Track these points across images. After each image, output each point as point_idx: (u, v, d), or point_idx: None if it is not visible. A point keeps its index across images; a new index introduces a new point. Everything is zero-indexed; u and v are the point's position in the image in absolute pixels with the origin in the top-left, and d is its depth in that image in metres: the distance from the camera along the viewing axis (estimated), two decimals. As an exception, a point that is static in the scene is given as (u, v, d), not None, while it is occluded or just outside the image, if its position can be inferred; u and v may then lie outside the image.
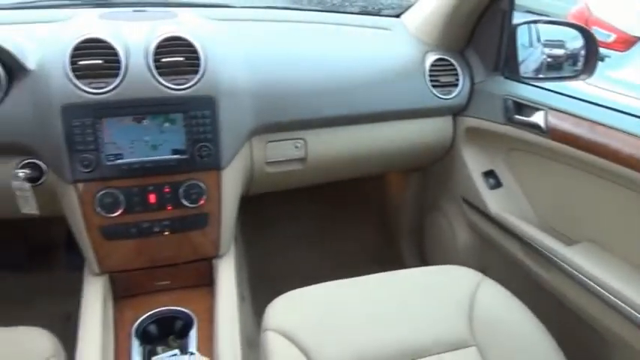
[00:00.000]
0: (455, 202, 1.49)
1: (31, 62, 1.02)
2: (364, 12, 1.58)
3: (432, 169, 1.59)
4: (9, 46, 0.99)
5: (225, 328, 1.04)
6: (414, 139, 1.38)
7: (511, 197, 1.34)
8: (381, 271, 1.12)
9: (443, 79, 1.34)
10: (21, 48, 1.02)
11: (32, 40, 1.06)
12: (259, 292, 1.19)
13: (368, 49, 1.35)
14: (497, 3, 1.26)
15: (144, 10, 1.35)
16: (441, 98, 1.33)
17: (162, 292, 1.17)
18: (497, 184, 1.36)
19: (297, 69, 1.22)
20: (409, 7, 1.53)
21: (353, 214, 1.93)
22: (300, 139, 1.24)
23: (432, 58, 1.34)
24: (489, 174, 1.38)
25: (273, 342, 0.94)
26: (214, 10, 1.40)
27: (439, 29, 1.34)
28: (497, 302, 1.04)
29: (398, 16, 1.53)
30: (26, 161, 1.04)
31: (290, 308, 1.01)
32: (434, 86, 1.33)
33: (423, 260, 1.73)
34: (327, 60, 1.27)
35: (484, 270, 1.13)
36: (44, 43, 1.06)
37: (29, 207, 1.04)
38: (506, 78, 1.30)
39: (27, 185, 1.01)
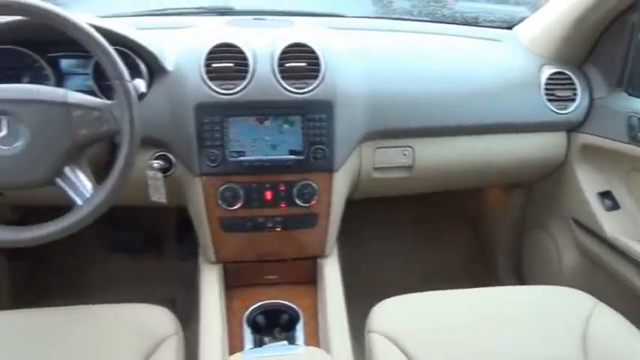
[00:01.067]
0: (562, 222, 1.42)
1: (169, 64, 1.12)
2: (475, 23, 1.57)
3: (537, 185, 1.53)
4: (153, 49, 1.09)
5: (335, 323, 1.07)
6: (524, 153, 1.34)
7: (630, 220, 1.26)
8: (473, 286, 1.10)
9: (559, 94, 1.29)
10: (161, 51, 1.12)
11: (169, 44, 1.16)
12: (352, 294, 1.21)
13: (480, 61, 1.33)
14: (626, 15, 1.20)
15: (263, 19, 1.43)
16: (556, 113, 1.28)
17: (269, 286, 1.23)
18: (615, 206, 1.29)
19: (410, 78, 1.24)
20: (522, 19, 1.50)
21: (446, 225, 1.90)
22: (409, 147, 1.25)
23: (548, 71, 1.30)
24: (606, 195, 1.31)
25: (379, 344, 0.95)
26: (328, 19, 1.45)
27: (558, 42, 1.30)
28: (614, 332, 0.98)
29: (510, 27, 1.51)
30: (159, 153, 1.13)
31: (396, 313, 1.02)
32: (549, 100, 1.28)
33: (520, 279, 1.66)
34: (440, 70, 1.27)
35: (591, 294, 1.07)
36: (181, 47, 1.16)
37: (158, 195, 1.13)
38: (630, 95, 1.24)
39: (159, 175, 1.11)
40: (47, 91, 0.86)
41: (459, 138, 1.28)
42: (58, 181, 0.88)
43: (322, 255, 1.24)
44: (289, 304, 1.16)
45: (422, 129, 1.23)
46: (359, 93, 1.16)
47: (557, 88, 1.29)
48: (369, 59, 1.23)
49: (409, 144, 1.25)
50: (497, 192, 1.74)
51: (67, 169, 0.88)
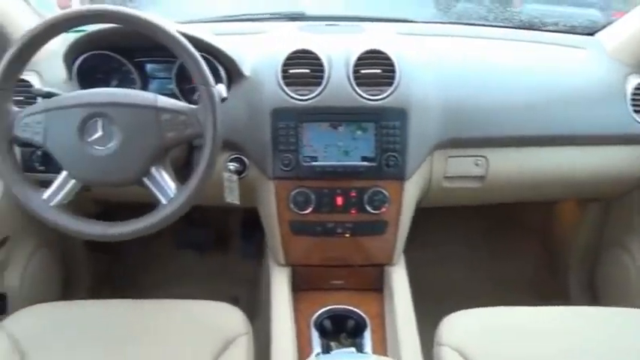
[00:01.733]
0: None
1: (246, 69, 1.15)
2: (555, 29, 1.51)
3: (617, 201, 1.45)
4: (232, 55, 1.13)
5: (406, 333, 1.07)
6: (605, 167, 1.28)
7: None
8: (542, 300, 1.06)
9: None
10: (239, 56, 1.15)
11: (246, 49, 1.20)
12: (418, 303, 1.20)
13: (561, 68, 1.28)
14: None
15: (335, 24, 1.44)
16: None
17: (335, 291, 1.23)
18: None
19: (486, 86, 1.20)
20: (606, 24, 1.43)
21: (515, 237, 1.84)
22: (482, 156, 1.21)
23: (635, 80, 1.23)
24: None
25: (448, 358, 0.94)
26: (399, 25, 1.44)
27: None
28: None
29: (592, 34, 1.44)
30: (233, 156, 1.16)
31: (466, 327, 1.00)
32: (636, 112, 1.21)
33: (593, 297, 1.58)
34: (517, 78, 1.23)
35: None
36: (257, 52, 1.19)
37: (232, 197, 1.16)
38: None
39: (235, 177, 1.14)
40: (139, 96, 0.91)
41: (536, 149, 1.23)
42: (145, 180, 0.92)
43: (390, 263, 1.23)
44: (356, 310, 1.16)
45: (497, 139, 1.20)
46: (433, 101, 1.14)
47: None
48: (443, 66, 1.21)
49: (482, 154, 1.21)
50: (572, 205, 1.66)
51: (153, 169, 0.92)
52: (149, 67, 1.20)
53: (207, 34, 1.10)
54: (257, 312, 1.49)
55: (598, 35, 1.41)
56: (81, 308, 1.06)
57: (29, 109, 0.90)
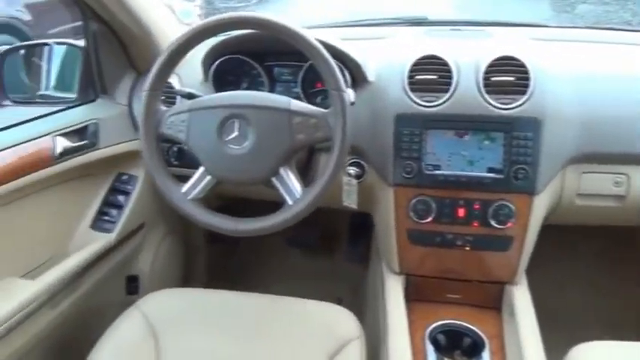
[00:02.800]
0: None
1: (371, 74, 1.15)
2: None
3: None
4: (358, 59, 1.14)
5: (535, 356, 1.00)
6: None
7: None
8: None
9: None
10: (364, 61, 1.16)
11: (370, 54, 1.20)
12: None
13: None
14: None
15: (460, 29, 1.40)
16: None
17: (451, 305, 1.19)
18: None
19: (628, 97, 1.09)
20: None
21: None
22: (623, 174, 1.10)
23: None
24: None
25: None
26: (530, 30, 1.36)
27: None
28: None
29: None
30: (353, 160, 1.17)
31: None
32: None
33: None
34: None
35: None
36: (382, 57, 1.18)
37: (350, 200, 1.17)
38: None
39: (354, 181, 1.15)
40: (275, 99, 0.94)
41: None
42: (274, 180, 0.95)
43: (511, 281, 1.16)
44: (474, 328, 1.11)
45: None
46: (569, 111, 1.06)
47: None
48: (581, 75, 1.12)
49: (623, 171, 1.10)
50: None
51: (281, 170, 0.95)
52: (276, 70, 1.25)
53: (335, 39, 1.12)
54: (362, 316, 1.49)
55: None
56: (206, 296, 1.13)
57: (175, 108, 0.98)
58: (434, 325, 1.12)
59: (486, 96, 1.05)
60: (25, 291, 1.01)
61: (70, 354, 1.10)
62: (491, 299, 1.19)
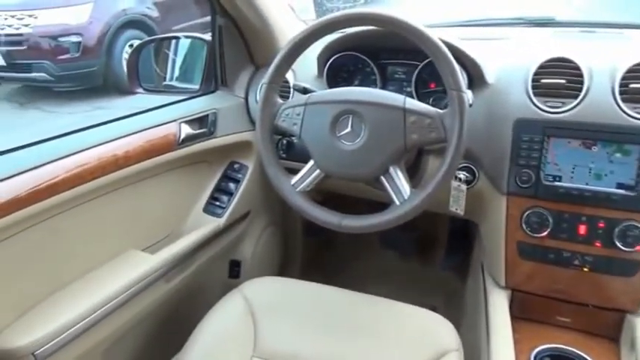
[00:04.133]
0: None
1: (490, 76, 1.10)
2: None
3: None
4: (478, 60, 1.09)
5: None
6: None
7: None
8: None
9: None
10: (483, 62, 1.10)
11: (489, 55, 1.14)
12: None
13: None
14: None
15: (592, 31, 1.29)
16: None
17: (560, 328, 1.10)
18: None
19: None
20: None
21: None
22: None
23: None
24: None
25: None
26: None
27: None
28: None
29: None
30: (464, 165, 1.12)
31: None
32: None
33: None
34: None
35: None
36: (503, 59, 1.12)
37: (457, 206, 1.12)
38: None
39: (464, 187, 1.10)
40: (390, 97, 0.93)
41: None
42: (382, 178, 0.94)
43: (635, 311, 1.05)
44: (585, 356, 1.02)
45: None
46: None
47: None
48: None
49: None
50: None
51: (391, 169, 0.94)
52: (390, 69, 1.23)
53: (454, 38, 1.08)
54: (459, 327, 1.43)
55: None
56: (304, 287, 1.15)
57: (291, 101, 1.00)
58: (541, 347, 1.04)
59: (622, 104, 0.96)
60: (145, 264, 1.11)
61: (175, 327, 1.18)
62: (609, 328, 1.08)
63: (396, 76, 1.24)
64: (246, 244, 1.49)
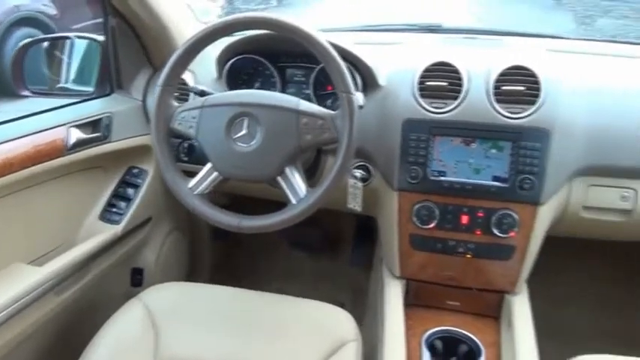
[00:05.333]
0: None
1: (382, 79, 1.16)
2: None
3: None
4: (370, 64, 1.15)
5: None
6: None
7: None
8: None
9: None
10: (376, 65, 1.16)
11: (382, 59, 1.20)
12: (537, 340, 1.11)
13: None
14: None
15: (474, 38, 1.40)
16: None
17: (449, 312, 1.19)
18: None
19: None
20: None
21: None
22: (630, 189, 1.09)
23: None
24: None
25: None
26: (546, 41, 1.36)
27: None
28: None
29: None
30: (359, 163, 1.18)
31: None
32: None
33: None
34: None
35: None
36: (394, 63, 1.19)
37: (355, 203, 1.18)
38: None
39: (359, 184, 1.15)
40: (284, 99, 0.96)
41: None
42: (279, 179, 0.97)
43: (512, 291, 1.16)
44: (471, 335, 1.11)
45: None
46: (579, 123, 1.06)
47: None
48: (593, 87, 1.11)
49: (631, 185, 1.09)
50: None
51: (287, 170, 0.96)
52: (289, 71, 1.26)
53: (348, 43, 1.13)
54: (362, 320, 1.49)
55: None
56: (208, 291, 1.14)
57: (187, 104, 1.00)
58: (431, 331, 1.12)
59: (496, 105, 1.06)
60: (30, 277, 1.04)
61: (71, 341, 1.12)
62: (491, 308, 1.19)
63: (296, 78, 1.27)
64: (148, 250, 1.45)
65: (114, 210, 1.31)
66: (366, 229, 1.77)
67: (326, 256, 1.92)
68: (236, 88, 1.21)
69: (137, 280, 1.43)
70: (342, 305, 1.11)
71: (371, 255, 1.69)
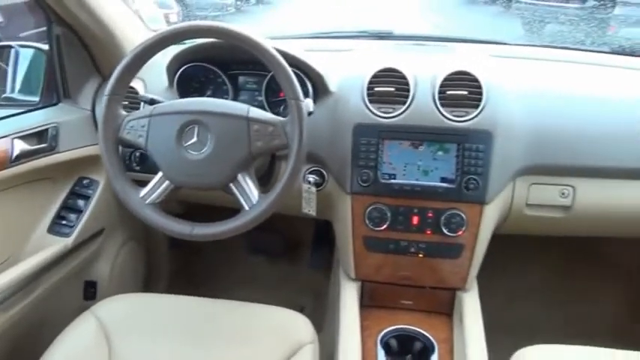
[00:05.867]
0: None
1: (333, 85, 1.19)
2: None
3: None
4: (320, 70, 1.17)
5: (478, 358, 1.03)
6: None
7: None
8: (622, 345, 0.99)
9: None
10: (326, 72, 1.19)
11: (333, 66, 1.23)
12: (487, 333, 1.15)
13: None
14: None
15: (423, 44, 1.45)
16: None
17: (404, 311, 1.22)
18: None
19: (576, 113, 1.15)
20: None
21: (596, 275, 1.72)
22: (569, 186, 1.16)
23: None
24: None
25: None
26: (490, 47, 1.42)
27: None
28: None
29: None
30: (313, 168, 1.20)
31: None
32: None
33: None
34: (611, 106, 1.17)
35: None
36: (344, 69, 1.22)
37: (309, 208, 1.19)
38: None
39: (313, 189, 1.17)
40: (233, 106, 0.96)
41: (628, 182, 1.15)
42: (231, 186, 0.97)
43: (462, 287, 1.20)
44: (424, 332, 1.14)
45: (586, 168, 1.14)
46: (520, 125, 1.11)
47: None
48: (533, 91, 1.17)
49: (570, 183, 1.16)
50: None
51: (239, 176, 0.96)
52: (241, 79, 1.27)
53: (298, 50, 1.15)
54: (322, 323, 1.50)
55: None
56: (163, 301, 1.13)
57: (136, 113, 0.99)
58: (386, 330, 1.15)
59: (441, 108, 1.09)
60: None
61: (22, 358, 1.09)
62: (443, 305, 1.23)
63: (248, 86, 1.27)
64: (101, 262, 1.41)
65: (63, 222, 1.27)
66: (324, 232, 1.80)
67: (285, 260, 1.93)
68: (188, 97, 1.20)
69: (90, 294, 1.39)
70: (302, 309, 1.13)
71: (330, 258, 1.71)
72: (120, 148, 1.03)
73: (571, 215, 1.18)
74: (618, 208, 1.18)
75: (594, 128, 1.13)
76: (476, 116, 1.08)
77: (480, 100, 1.09)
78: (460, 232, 1.11)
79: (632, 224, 1.23)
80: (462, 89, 1.10)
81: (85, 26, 1.20)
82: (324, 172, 1.19)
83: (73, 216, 1.28)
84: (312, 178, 1.17)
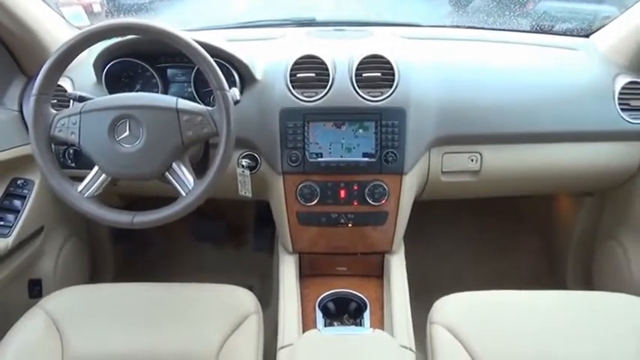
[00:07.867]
0: (634, 232, 1.41)
1: (258, 73, 1.26)
2: (551, 32, 1.58)
3: (609, 195, 1.52)
4: (245, 60, 1.23)
5: (399, 312, 1.17)
6: (595, 162, 1.35)
7: None
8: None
9: (633, 103, 1.29)
10: (252, 61, 1.26)
11: (258, 55, 1.30)
12: (416, 290, 1.29)
13: (554, 69, 1.36)
14: None
15: (343, 29, 1.54)
16: (630, 122, 1.28)
17: (339, 277, 1.34)
18: None
19: (481, 87, 1.29)
20: (600, 27, 1.50)
21: (514, 230, 1.92)
22: (477, 153, 1.30)
23: (623, 80, 1.30)
24: None
25: (439, 335, 1.03)
26: (405, 29, 1.53)
27: (634, 51, 1.30)
28: None
29: (587, 36, 1.51)
30: (246, 153, 1.27)
31: (458, 307, 1.09)
32: (623, 110, 1.29)
33: (589, 289, 1.65)
34: (511, 79, 1.31)
35: None
36: (268, 58, 1.29)
37: (245, 190, 1.27)
38: None
39: (247, 172, 1.25)
40: (162, 99, 1.02)
41: (528, 145, 1.31)
42: (167, 174, 1.03)
43: (390, 251, 1.33)
44: (358, 293, 1.26)
45: (490, 136, 1.28)
46: (430, 101, 1.23)
47: (631, 98, 1.29)
48: (442, 68, 1.30)
49: (477, 150, 1.30)
50: (567, 200, 1.74)
51: (174, 165, 1.02)
52: (170, 72, 1.31)
53: (221, 41, 1.20)
54: (269, 300, 1.60)
55: (592, 37, 1.49)
56: (109, 290, 1.17)
57: (66, 111, 1.02)
58: (323, 295, 1.26)
59: (358, 90, 1.20)
60: None
61: None
62: (375, 268, 1.35)
63: (177, 78, 1.31)
64: (44, 260, 1.43)
65: (1, 223, 1.27)
66: (264, 214, 1.88)
67: (230, 245, 2.00)
68: (117, 92, 1.23)
69: (36, 292, 1.41)
70: (250, 288, 1.20)
71: (272, 238, 1.80)
72: (52, 145, 1.05)
73: (481, 179, 1.33)
74: (521, 169, 1.34)
75: (495, 100, 1.27)
76: (390, 95, 1.19)
77: (392, 80, 1.20)
78: (383, 201, 1.23)
79: (534, 184, 1.40)
80: (376, 71, 1.20)
81: (5, 27, 1.19)
82: (257, 156, 1.27)
83: (10, 216, 1.29)
84: (245, 162, 1.25)
